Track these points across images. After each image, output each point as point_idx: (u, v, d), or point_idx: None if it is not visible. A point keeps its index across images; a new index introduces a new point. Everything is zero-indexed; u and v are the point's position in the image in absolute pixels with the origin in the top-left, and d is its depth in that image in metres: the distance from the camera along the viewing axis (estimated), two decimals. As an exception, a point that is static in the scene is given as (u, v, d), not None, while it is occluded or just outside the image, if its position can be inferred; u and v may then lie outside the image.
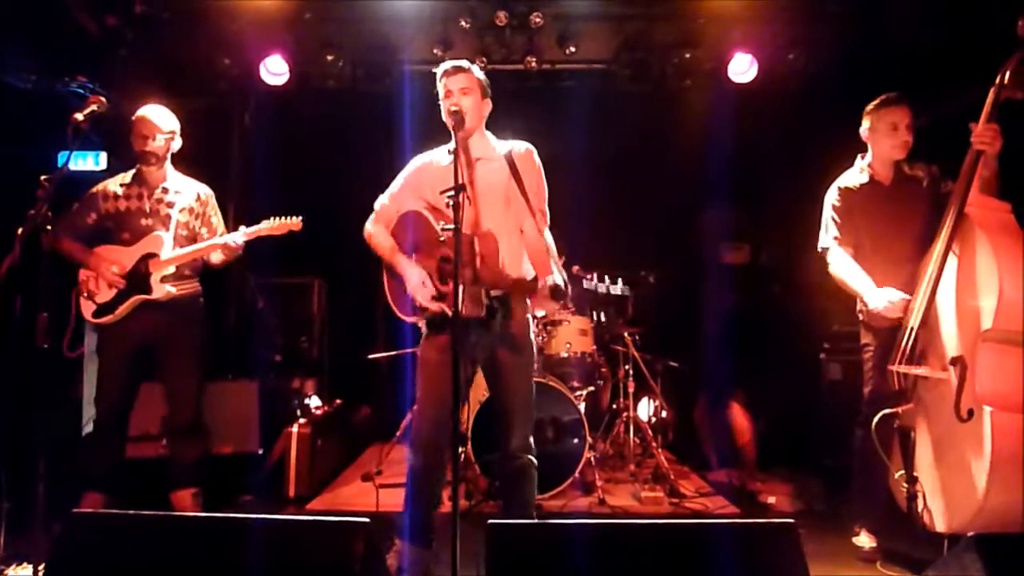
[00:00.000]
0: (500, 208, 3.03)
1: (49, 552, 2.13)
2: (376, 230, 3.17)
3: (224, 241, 3.73)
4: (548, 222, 3.10)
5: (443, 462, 3.06)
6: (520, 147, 3.12)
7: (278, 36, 5.48)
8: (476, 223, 2.96)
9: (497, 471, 3.34)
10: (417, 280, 2.96)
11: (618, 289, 2.70)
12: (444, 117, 2.98)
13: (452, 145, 2.88)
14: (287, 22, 5.39)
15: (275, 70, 5.56)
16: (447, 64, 3.04)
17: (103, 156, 5.83)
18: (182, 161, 3.99)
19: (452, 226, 2.60)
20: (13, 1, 4.63)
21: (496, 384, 3.12)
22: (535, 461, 3.09)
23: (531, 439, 3.09)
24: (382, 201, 3.21)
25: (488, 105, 3.11)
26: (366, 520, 2.12)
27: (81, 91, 5.40)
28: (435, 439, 3.01)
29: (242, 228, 3.77)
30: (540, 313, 4.81)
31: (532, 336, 3.16)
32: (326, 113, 6.03)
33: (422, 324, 3.10)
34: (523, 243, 3.07)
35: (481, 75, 3.07)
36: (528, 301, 3.10)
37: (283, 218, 3.75)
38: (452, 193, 2.64)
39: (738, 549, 2.16)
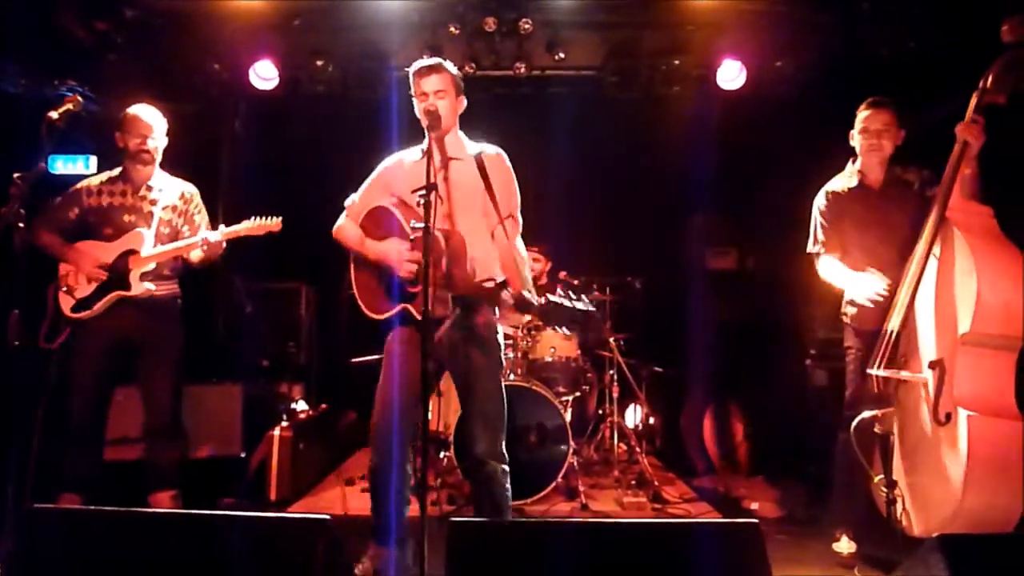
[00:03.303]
0: (472, 208, 3.03)
1: (10, 548, 2.12)
2: (345, 223, 3.17)
3: (201, 239, 3.69)
4: (520, 229, 3.10)
5: (403, 459, 3.03)
6: (490, 150, 3.11)
7: (268, 41, 5.49)
8: (448, 222, 2.95)
9: (468, 477, 3.29)
10: (395, 251, 2.95)
11: (583, 305, 2.68)
12: (418, 115, 2.99)
13: (424, 145, 2.89)
14: (277, 27, 5.41)
15: (265, 75, 5.58)
16: (420, 63, 3.03)
17: (93, 160, 5.86)
18: (172, 165, 4.00)
19: (422, 224, 2.60)
20: (3, 6, 4.65)
21: (464, 387, 3.08)
22: (505, 468, 3.01)
23: (501, 445, 3.02)
24: (352, 199, 3.21)
25: (463, 103, 3.11)
26: (327, 518, 2.11)
27: (80, 97, 5.42)
28: (395, 436, 2.97)
29: (221, 227, 3.76)
30: (508, 329, 4.81)
31: (500, 339, 3.13)
32: (315, 118, 6.05)
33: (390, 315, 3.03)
34: (495, 247, 3.06)
35: (454, 71, 3.06)
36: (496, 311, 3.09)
37: (263, 219, 3.74)
38: (424, 192, 2.65)
39: (700, 548, 2.14)
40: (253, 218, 3.75)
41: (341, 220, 3.19)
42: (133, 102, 3.90)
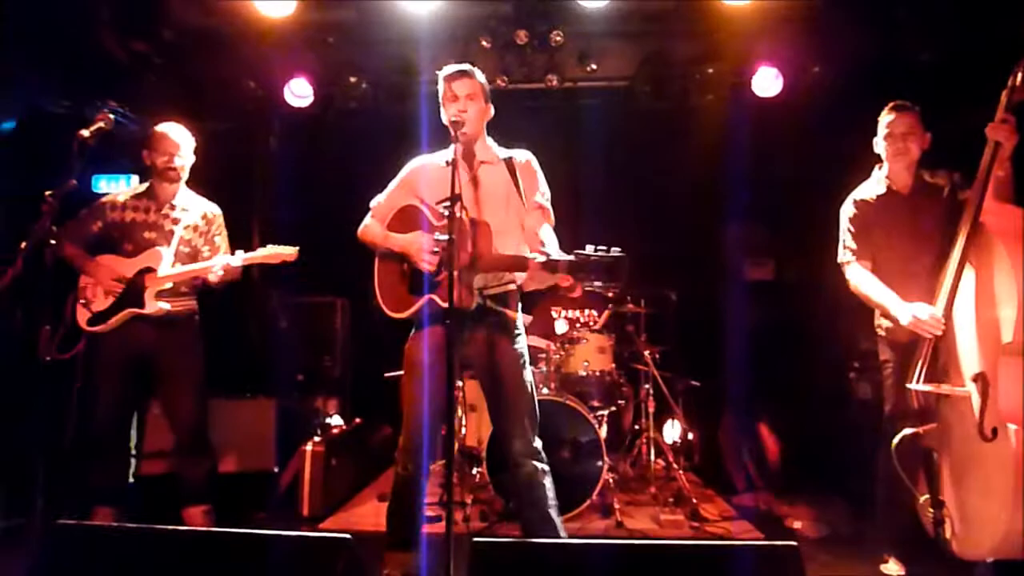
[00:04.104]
0: (501, 209, 3.04)
1: (32, 563, 2.12)
2: (370, 223, 3.20)
3: (216, 263, 3.71)
4: (552, 219, 3.09)
5: (427, 470, 3.03)
6: (521, 156, 3.13)
7: (302, 59, 5.57)
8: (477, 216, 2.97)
9: (508, 486, 3.24)
10: (418, 241, 2.95)
11: (616, 250, 2.61)
12: (445, 121, 2.98)
13: (451, 154, 2.86)
14: (311, 45, 5.48)
15: (299, 92, 5.66)
16: (451, 68, 3.05)
17: (134, 179, 5.97)
18: (209, 182, 4.06)
19: (447, 236, 2.58)
20: (48, 28, 4.77)
21: (492, 386, 3.06)
22: (545, 468, 3.00)
23: (536, 442, 3.01)
24: (377, 200, 3.23)
25: (490, 111, 3.12)
26: (347, 536, 2.07)
27: (111, 115, 5.54)
28: (423, 445, 2.96)
29: (239, 252, 3.79)
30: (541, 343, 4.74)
31: (523, 335, 3.12)
32: (349, 134, 6.10)
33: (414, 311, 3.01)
34: (523, 241, 3.07)
35: (483, 80, 3.08)
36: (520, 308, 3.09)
37: (280, 247, 3.76)
38: (448, 204, 2.63)
39: (736, 572, 2.06)
40: (270, 246, 3.77)
41: (366, 220, 3.22)
42: (171, 121, 3.96)
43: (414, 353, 3.03)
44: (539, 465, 2.98)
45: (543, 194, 3.12)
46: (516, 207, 3.05)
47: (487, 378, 3.09)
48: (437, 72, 3.12)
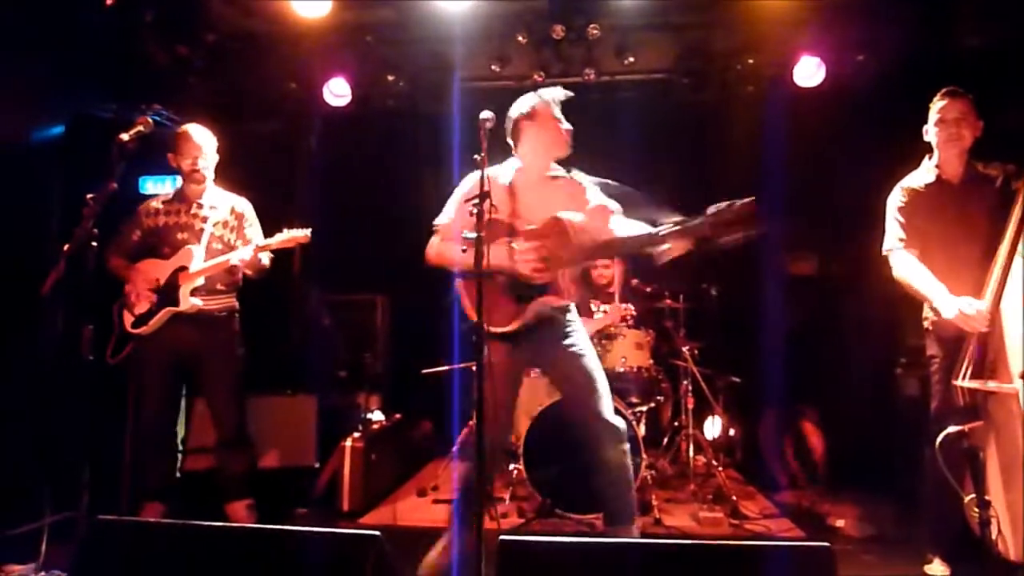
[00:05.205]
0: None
1: (74, 558, 2.19)
2: (441, 245, 3.16)
3: (232, 256, 3.77)
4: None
5: (498, 468, 3.09)
6: (567, 173, 3.29)
7: (340, 59, 5.62)
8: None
9: (594, 481, 3.19)
10: (507, 253, 3.00)
11: (700, 217, 2.58)
12: (555, 139, 3.20)
13: (505, 172, 2.95)
14: (349, 45, 5.53)
15: (338, 92, 5.71)
16: (562, 92, 3.29)
17: (179, 180, 6.10)
18: (251, 182, 4.13)
19: (474, 234, 2.59)
20: (93, 34, 4.90)
21: (562, 384, 3.20)
22: (627, 447, 3.06)
23: (617, 422, 3.07)
24: (442, 220, 3.20)
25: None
26: (377, 534, 2.09)
27: (157, 119, 5.67)
28: (497, 443, 3.07)
29: (253, 243, 3.84)
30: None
31: (578, 321, 3.23)
32: (387, 132, 6.15)
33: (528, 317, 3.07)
34: None
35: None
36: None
37: (293, 231, 3.80)
38: (479, 202, 2.64)
39: (764, 572, 2.02)
40: (285, 230, 3.81)
41: (435, 242, 3.19)
42: (214, 123, 4.02)
43: (496, 357, 2.96)
44: (624, 448, 3.05)
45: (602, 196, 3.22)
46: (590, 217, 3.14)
47: (555, 376, 3.24)
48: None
